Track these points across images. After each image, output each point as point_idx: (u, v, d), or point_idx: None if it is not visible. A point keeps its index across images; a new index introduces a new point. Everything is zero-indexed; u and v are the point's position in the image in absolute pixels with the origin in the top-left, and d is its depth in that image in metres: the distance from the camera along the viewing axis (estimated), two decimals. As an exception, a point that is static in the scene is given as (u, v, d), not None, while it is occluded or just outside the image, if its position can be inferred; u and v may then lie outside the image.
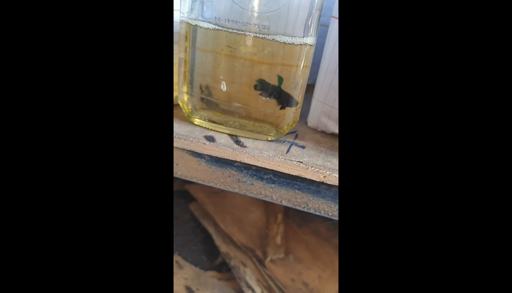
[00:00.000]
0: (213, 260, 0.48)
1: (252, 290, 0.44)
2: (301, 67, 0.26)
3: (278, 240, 0.49)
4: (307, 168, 0.25)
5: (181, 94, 0.29)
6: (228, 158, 0.26)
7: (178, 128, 0.28)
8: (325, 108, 0.29)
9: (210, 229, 0.51)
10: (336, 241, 0.50)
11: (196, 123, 0.29)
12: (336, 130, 0.29)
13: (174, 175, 0.28)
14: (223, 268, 0.47)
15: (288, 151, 0.26)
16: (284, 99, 0.27)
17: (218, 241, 0.49)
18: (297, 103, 0.28)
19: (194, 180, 0.28)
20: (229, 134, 0.28)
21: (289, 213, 0.51)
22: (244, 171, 0.27)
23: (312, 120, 0.31)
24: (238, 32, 0.25)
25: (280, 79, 0.26)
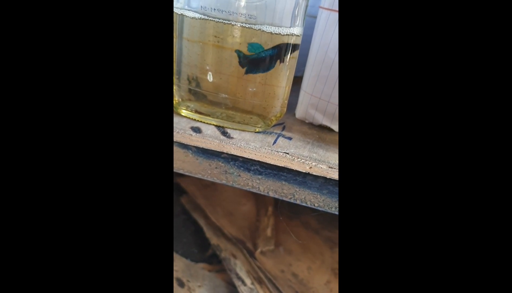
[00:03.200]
0: (203, 252, 0.48)
1: (243, 281, 0.44)
2: (288, 57, 0.26)
3: (269, 232, 0.49)
4: (293, 159, 0.25)
5: (168, 85, 0.29)
6: (215, 150, 0.26)
7: (165, 119, 0.28)
8: (313, 100, 0.29)
9: (201, 222, 0.51)
10: (325, 233, 0.50)
11: (183, 114, 0.29)
12: (323, 122, 0.29)
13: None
14: (214, 260, 0.47)
15: (275, 142, 0.26)
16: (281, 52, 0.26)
17: (209, 233, 0.49)
18: (294, 48, 0.26)
19: (181, 171, 0.28)
20: (216, 126, 0.28)
21: (278, 205, 0.51)
22: (231, 163, 0.26)
23: (299, 112, 0.31)
24: (225, 21, 0.25)
25: (256, 47, 0.25)
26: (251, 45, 0.25)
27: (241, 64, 0.26)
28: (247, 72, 0.26)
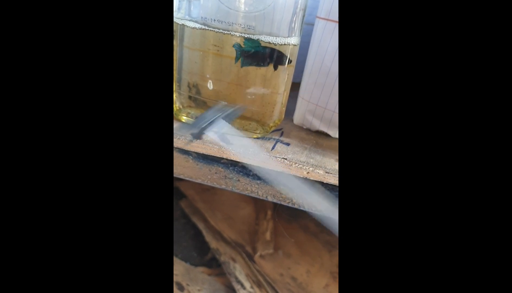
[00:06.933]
0: (203, 256, 0.49)
1: (242, 285, 0.45)
2: (286, 65, 0.27)
3: (268, 236, 0.50)
4: (291, 165, 0.25)
5: (169, 92, 0.30)
6: (215, 155, 0.27)
7: (166, 125, 0.28)
8: (310, 107, 0.30)
9: (200, 226, 0.51)
10: (324, 236, 0.51)
11: (183, 120, 0.30)
12: (320, 128, 0.30)
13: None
14: (213, 264, 0.48)
15: (273, 148, 0.27)
16: (277, 58, 0.26)
17: (208, 237, 0.50)
18: (290, 61, 0.27)
19: (181, 176, 0.28)
20: (216, 132, 0.29)
21: (277, 209, 0.52)
22: (230, 168, 0.27)
23: (297, 118, 0.32)
24: (224, 32, 0.25)
25: (253, 41, 0.25)
26: (247, 40, 0.26)
27: (237, 57, 0.26)
28: (242, 65, 0.26)
